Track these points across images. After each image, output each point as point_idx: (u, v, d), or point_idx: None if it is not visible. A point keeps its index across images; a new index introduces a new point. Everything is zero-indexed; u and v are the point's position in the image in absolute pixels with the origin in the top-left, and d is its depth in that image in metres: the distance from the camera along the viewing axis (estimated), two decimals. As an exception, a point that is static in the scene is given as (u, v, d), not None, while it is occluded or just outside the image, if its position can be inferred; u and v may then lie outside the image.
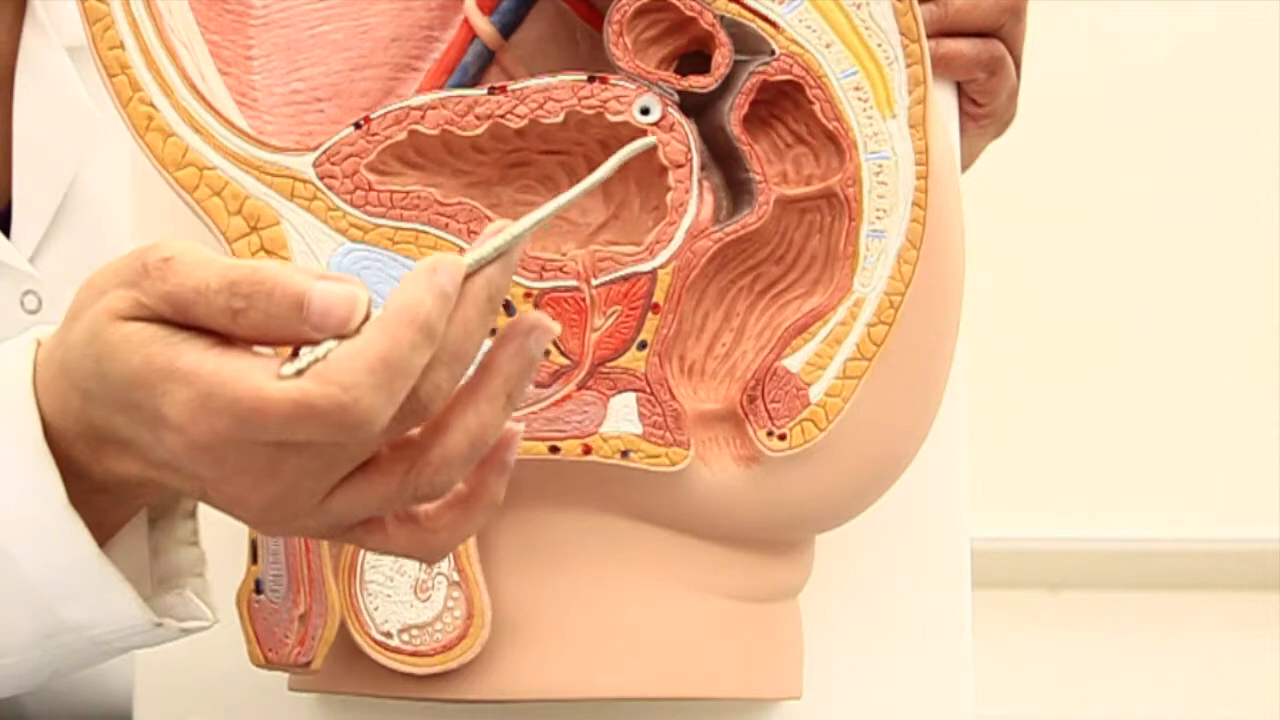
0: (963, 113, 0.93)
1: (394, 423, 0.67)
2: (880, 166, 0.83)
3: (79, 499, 0.72)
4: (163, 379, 0.68)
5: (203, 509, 0.78)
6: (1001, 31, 0.93)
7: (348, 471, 0.69)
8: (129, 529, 0.77)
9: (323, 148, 0.80)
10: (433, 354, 0.67)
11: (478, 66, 0.85)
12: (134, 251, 0.70)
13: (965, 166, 0.93)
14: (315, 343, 0.67)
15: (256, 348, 0.69)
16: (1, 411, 0.73)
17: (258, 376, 0.67)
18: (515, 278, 0.80)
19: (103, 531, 0.74)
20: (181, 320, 0.69)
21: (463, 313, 0.67)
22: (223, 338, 0.69)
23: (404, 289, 0.67)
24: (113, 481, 0.73)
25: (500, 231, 0.67)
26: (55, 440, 0.72)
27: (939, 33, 0.91)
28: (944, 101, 0.91)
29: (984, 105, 0.94)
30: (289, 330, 0.67)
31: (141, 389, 0.68)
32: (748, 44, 0.82)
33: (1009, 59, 0.93)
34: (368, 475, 0.69)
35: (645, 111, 0.81)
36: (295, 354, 0.67)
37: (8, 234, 1.08)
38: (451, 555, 0.81)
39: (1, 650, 0.74)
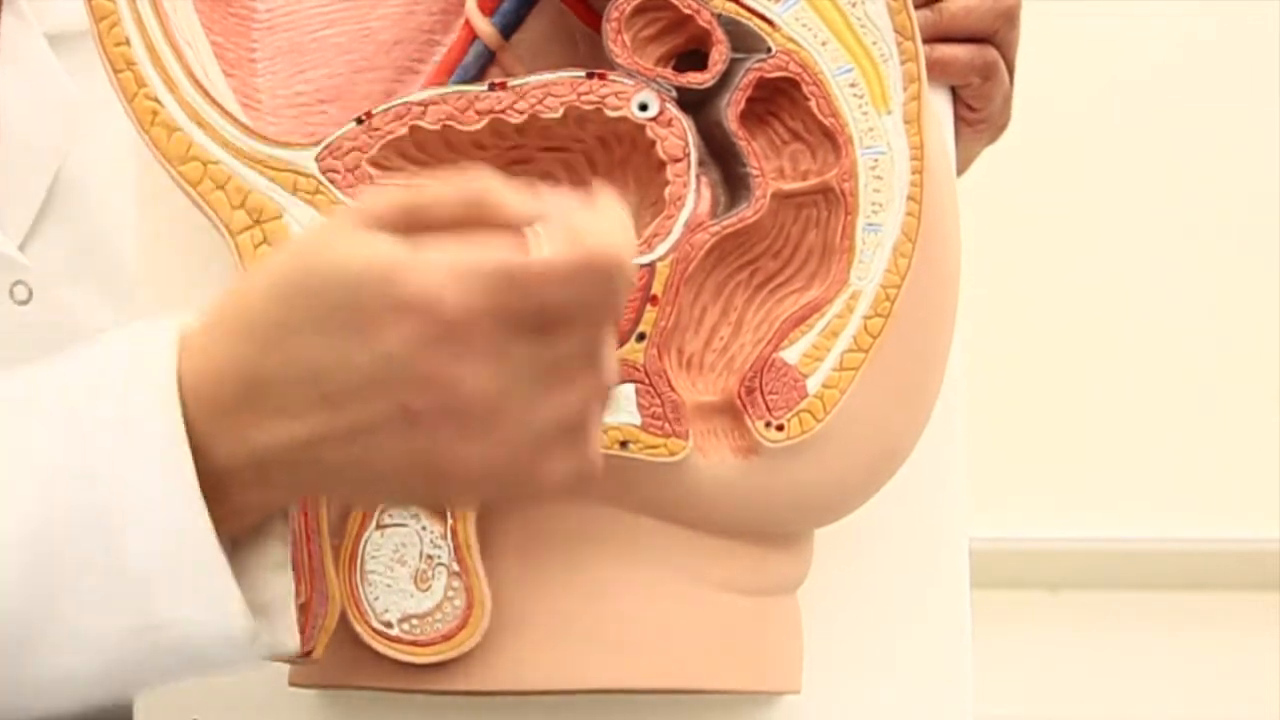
0: (958, 117, 0.94)
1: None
2: (876, 161, 0.83)
3: (207, 492, 0.69)
4: (410, 263, 0.66)
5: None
6: (996, 37, 0.93)
7: (565, 367, 0.68)
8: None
9: (325, 142, 0.81)
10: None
11: (478, 67, 0.86)
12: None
13: (961, 171, 0.93)
14: None
15: None
16: (140, 401, 0.69)
17: (517, 251, 0.66)
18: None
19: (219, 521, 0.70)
20: (416, 228, 0.67)
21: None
22: None
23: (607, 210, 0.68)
24: (247, 462, 0.69)
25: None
26: (194, 426, 0.69)
27: (934, 38, 0.91)
28: (939, 106, 0.91)
29: (979, 110, 0.94)
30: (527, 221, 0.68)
31: (376, 280, 0.66)
32: (744, 42, 0.83)
33: (1003, 64, 0.94)
34: (573, 375, 0.69)
35: (644, 107, 0.82)
36: None
37: None
38: (451, 545, 0.82)
39: (79, 645, 0.70)
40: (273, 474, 0.70)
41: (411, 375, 0.67)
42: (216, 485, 0.69)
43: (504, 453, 0.69)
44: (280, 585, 0.73)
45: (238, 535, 0.72)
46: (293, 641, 0.73)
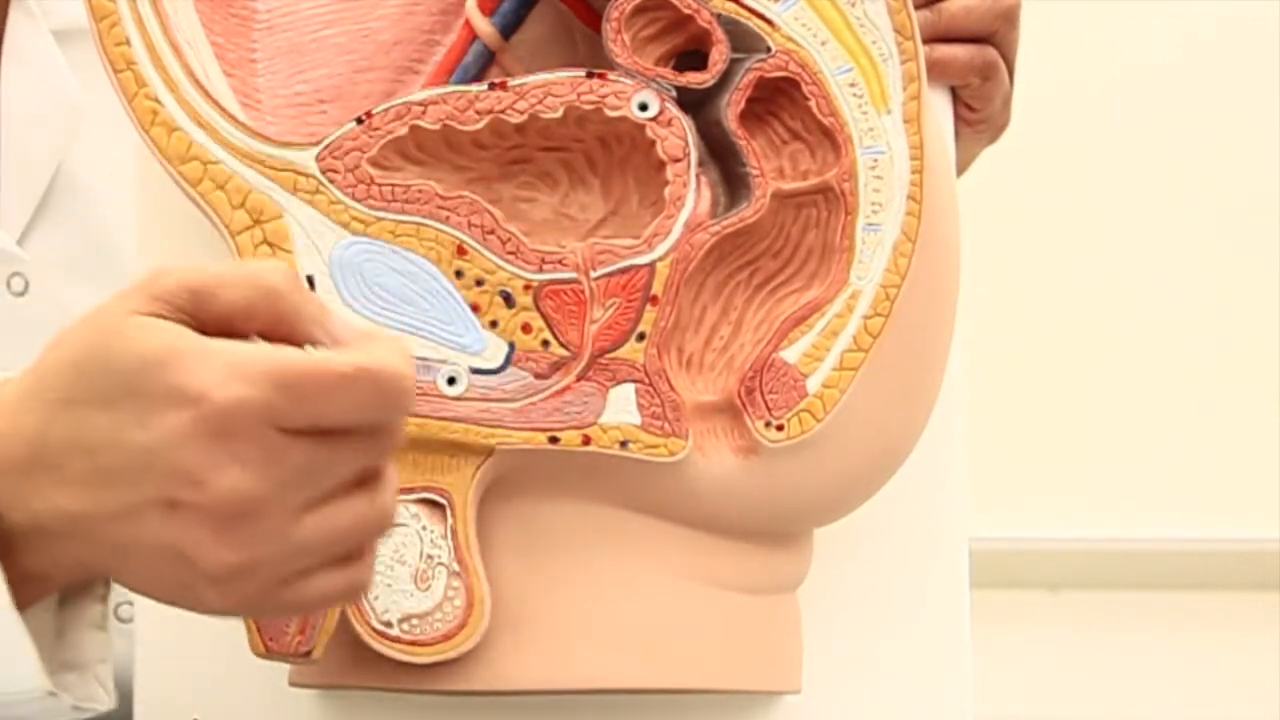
0: (957, 118, 0.94)
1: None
2: (875, 161, 0.83)
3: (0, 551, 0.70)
4: (192, 355, 0.67)
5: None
6: (995, 37, 0.93)
7: (335, 484, 0.69)
8: (35, 610, 0.73)
9: (325, 142, 0.81)
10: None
11: (478, 67, 0.86)
12: (139, 277, 0.69)
13: (960, 171, 0.93)
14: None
15: None
16: None
17: (302, 353, 0.67)
18: (515, 270, 0.81)
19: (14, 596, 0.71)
20: (202, 317, 0.68)
21: None
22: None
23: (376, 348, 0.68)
24: (30, 528, 0.70)
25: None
26: None
27: (933, 38, 0.91)
28: (939, 106, 0.91)
29: (978, 110, 0.94)
30: (307, 334, 0.68)
31: (158, 368, 0.67)
32: (744, 41, 0.83)
33: (1002, 65, 0.94)
34: (344, 495, 0.69)
35: (643, 107, 0.82)
36: None
37: None
38: (452, 545, 0.82)
39: None
40: (53, 543, 0.70)
41: (176, 465, 0.67)
42: (7, 546, 0.70)
43: (257, 560, 0.69)
44: (96, 644, 0.75)
45: (63, 592, 0.73)
46: (103, 698, 0.74)
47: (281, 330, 0.68)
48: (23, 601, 0.71)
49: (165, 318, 0.68)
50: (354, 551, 0.71)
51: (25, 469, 0.70)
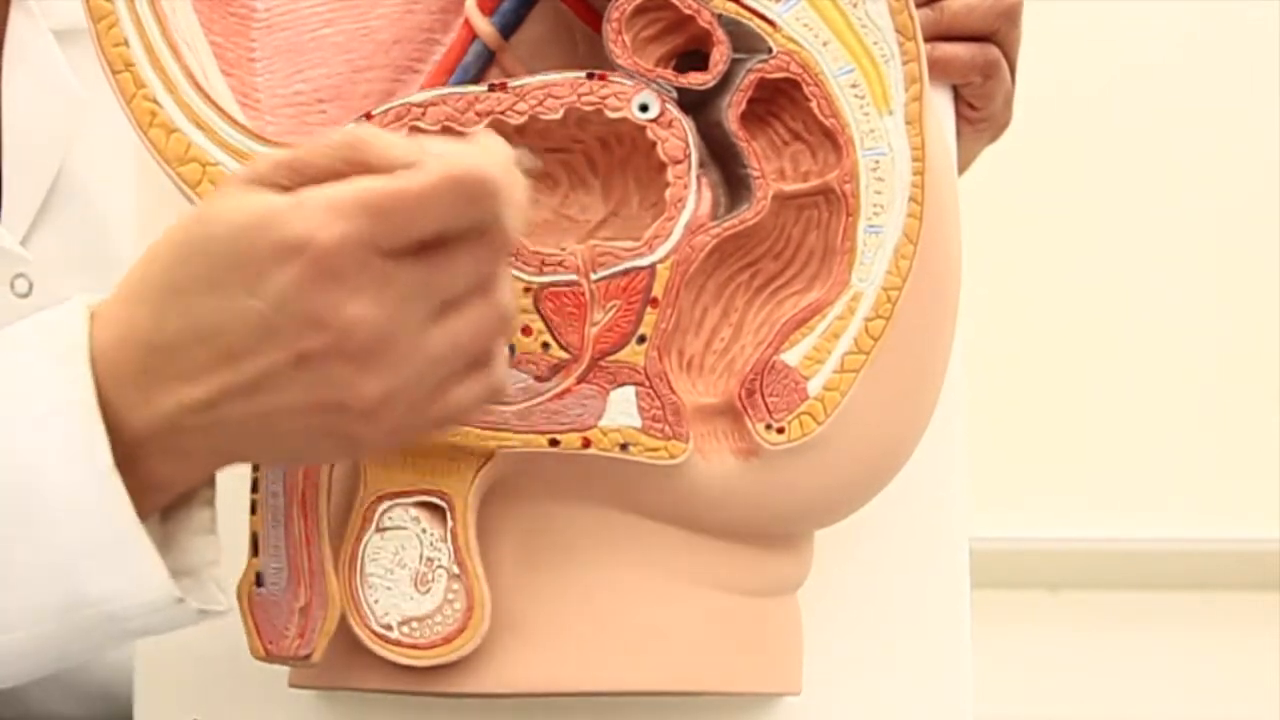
0: (959, 116, 0.94)
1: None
2: (877, 163, 0.83)
3: (121, 464, 0.70)
4: (288, 207, 0.67)
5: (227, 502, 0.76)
6: (997, 36, 0.93)
7: (452, 294, 0.69)
8: (148, 520, 0.74)
9: (324, 144, 0.81)
10: None
11: (478, 67, 0.86)
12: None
13: (962, 170, 0.93)
14: None
15: None
16: (52, 373, 0.70)
17: (386, 178, 0.67)
18: (515, 272, 0.81)
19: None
20: (298, 181, 0.69)
21: None
22: None
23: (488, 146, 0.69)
24: (158, 431, 0.70)
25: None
26: (105, 397, 0.70)
27: (935, 36, 0.91)
28: (941, 105, 0.91)
29: (980, 109, 0.94)
30: (402, 157, 0.69)
31: (257, 230, 0.67)
32: (745, 42, 0.83)
33: (1004, 63, 0.94)
34: (463, 303, 0.70)
35: (644, 108, 0.82)
36: None
37: None
38: (452, 548, 0.82)
39: (12, 623, 0.72)
40: (184, 440, 0.71)
41: (298, 317, 0.68)
42: (131, 456, 0.70)
43: (401, 383, 0.70)
44: (207, 548, 0.75)
45: (166, 506, 0.73)
46: (222, 600, 0.75)
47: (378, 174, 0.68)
48: (143, 511, 0.72)
49: (260, 190, 0.69)
50: (482, 357, 0.71)
51: (144, 370, 0.70)
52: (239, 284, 0.68)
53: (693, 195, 0.82)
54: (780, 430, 0.83)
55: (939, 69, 0.91)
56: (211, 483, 0.76)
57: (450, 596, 0.81)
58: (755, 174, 0.83)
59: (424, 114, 0.81)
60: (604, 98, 0.82)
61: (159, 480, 0.72)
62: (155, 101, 0.80)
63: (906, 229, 0.83)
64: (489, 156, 0.69)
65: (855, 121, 0.83)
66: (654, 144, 0.82)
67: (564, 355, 0.81)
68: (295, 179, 0.69)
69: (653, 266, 0.81)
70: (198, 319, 0.69)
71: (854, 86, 0.83)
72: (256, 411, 0.70)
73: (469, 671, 0.83)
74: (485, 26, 0.85)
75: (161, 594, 0.72)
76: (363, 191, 0.67)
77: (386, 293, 0.68)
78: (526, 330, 0.81)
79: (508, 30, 0.86)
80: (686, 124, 0.82)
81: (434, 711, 0.87)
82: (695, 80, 0.82)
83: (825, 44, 0.83)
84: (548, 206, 0.84)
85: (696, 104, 0.83)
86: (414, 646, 0.81)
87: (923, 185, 0.83)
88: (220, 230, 0.68)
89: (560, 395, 0.81)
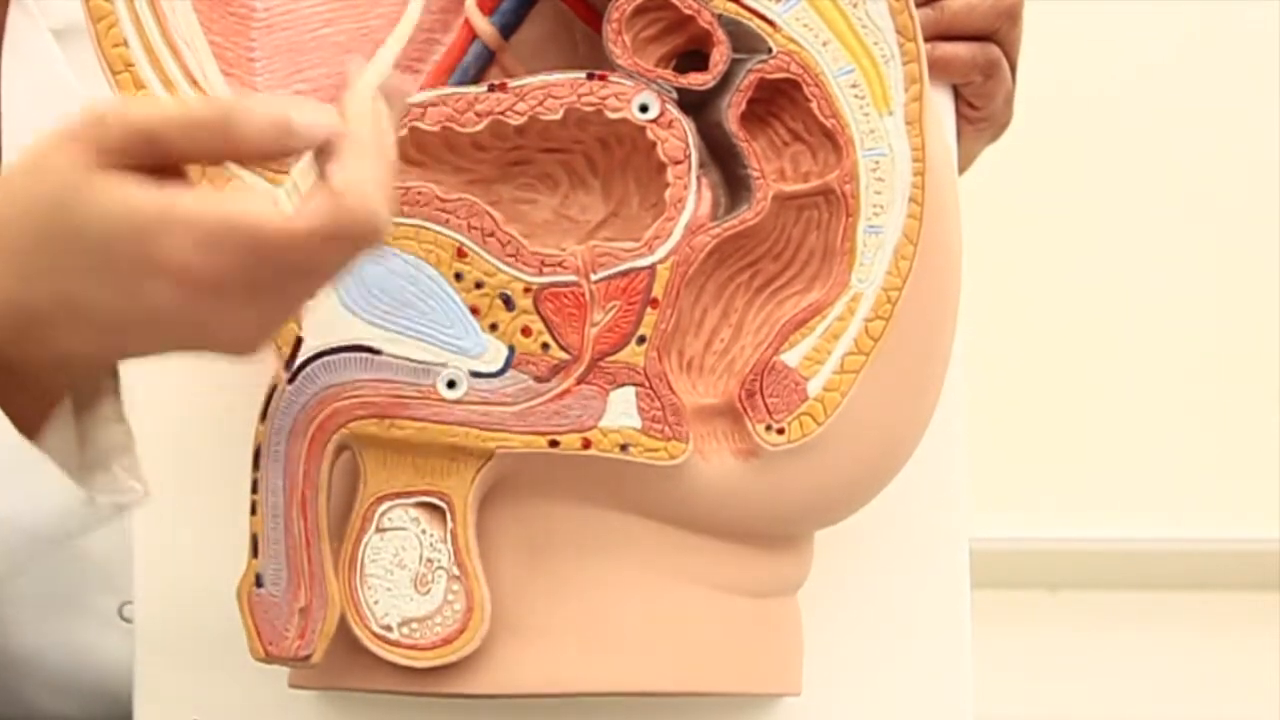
0: (959, 116, 0.94)
1: None
2: (877, 163, 0.83)
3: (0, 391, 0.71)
4: (157, 225, 0.67)
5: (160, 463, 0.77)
6: (997, 35, 0.93)
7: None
8: (54, 422, 0.74)
9: (324, 144, 0.81)
10: None
11: (478, 67, 0.86)
12: (74, 114, 0.69)
13: (962, 169, 0.93)
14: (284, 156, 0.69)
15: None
16: None
17: (268, 209, 0.67)
18: (515, 272, 0.81)
19: (27, 424, 0.72)
20: (153, 159, 0.68)
21: (386, 131, 0.70)
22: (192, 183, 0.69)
23: (352, 117, 0.69)
24: (42, 368, 0.71)
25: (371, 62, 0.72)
26: None
27: (935, 36, 0.91)
28: (941, 104, 0.91)
29: (980, 108, 0.94)
30: (277, 145, 0.68)
31: (130, 240, 0.67)
32: (745, 42, 0.83)
33: (1005, 63, 0.94)
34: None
35: (644, 108, 0.82)
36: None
37: None
38: (452, 549, 0.82)
39: None
40: (56, 376, 0.72)
41: (175, 321, 0.69)
42: (6, 389, 0.71)
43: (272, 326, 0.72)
44: (117, 435, 0.75)
45: (76, 398, 0.74)
46: (137, 488, 0.75)
47: (256, 153, 0.69)
48: (42, 409, 0.73)
49: (121, 169, 0.68)
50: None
51: (15, 326, 0.70)
52: (113, 284, 0.68)
53: (693, 196, 0.82)
54: (780, 431, 0.82)
55: (939, 68, 0.91)
56: (114, 372, 0.75)
57: (450, 597, 0.81)
58: (755, 174, 0.83)
59: (424, 114, 0.81)
60: (604, 98, 0.82)
61: (44, 355, 0.72)
62: (155, 102, 0.80)
63: (906, 229, 0.83)
64: (371, 186, 0.69)
65: (855, 122, 0.83)
66: (654, 144, 0.82)
67: (564, 356, 0.81)
68: (151, 155, 0.68)
69: (653, 267, 0.81)
70: (71, 296, 0.69)
71: (854, 87, 0.83)
72: (131, 348, 0.71)
73: (469, 672, 0.83)
74: (485, 26, 0.85)
75: (69, 499, 0.72)
76: (248, 233, 0.67)
77: (267, 298, 0.69)
78: (526, 331, 0.81)
79: (508, 30, 0.86)
80: (686, 124, 0.82)
81: (434, 712, 0.87)
82: (695, 80, 0.82)
83: (825, 44, 0.83)
84: (548, 207, 0.84)
85: (696, 104, 0.83)
86: (414, 647, 0.81)
87: (923, 186, 0.83)
88: (88, 227, 0.68)
89: (560, 396, 0.81)
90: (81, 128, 0.68)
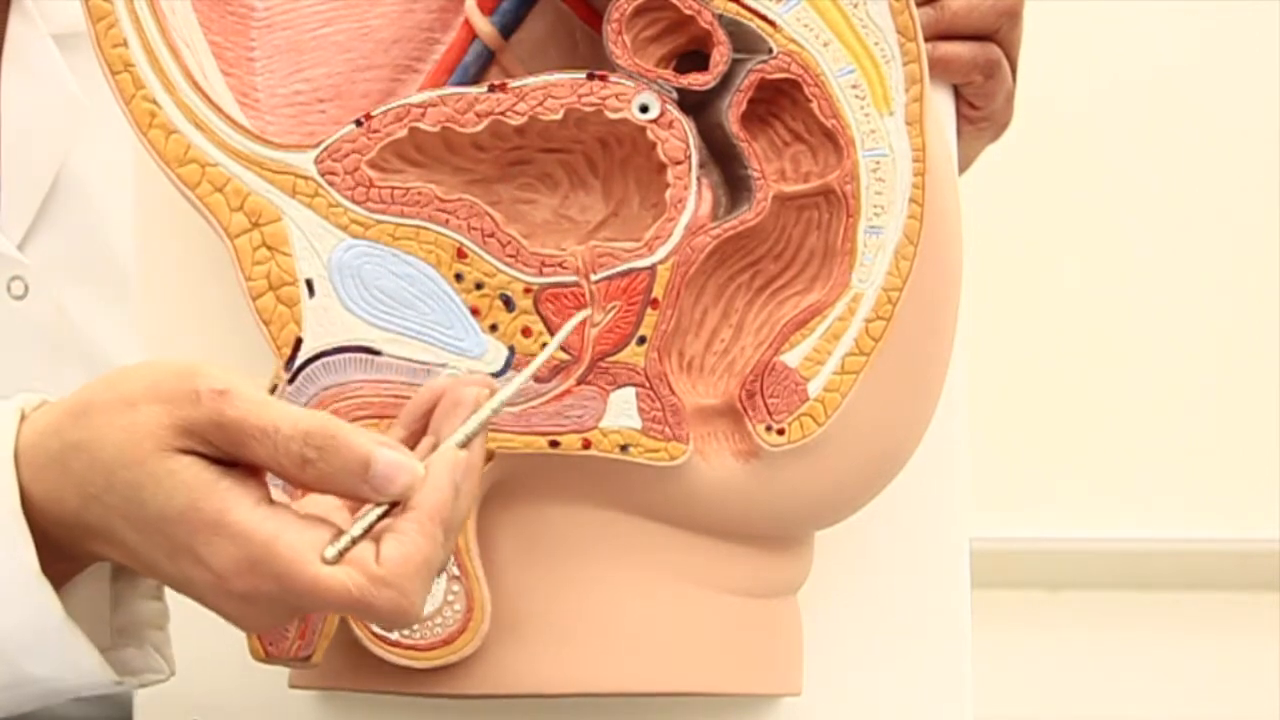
0: (960, 115, 0.94)
1: None
2: (878, 163, 0.83)
3: (47, 560, 0.74)
4: (210, 529, 0.70)
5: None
6: (998, 35, 0.93)
7: None
8: (90, 575, 0.78)
9: (324, 144, 0.81)
10: None
11: (478, 67, 0.86)
12: (174, 370, 0.72)
13: (963, 169, 0.93)
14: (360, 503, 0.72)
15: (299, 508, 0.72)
16: None
17: (310, 555, 0.70)
18: (515, 273, 0.81)
19: (64, 578, 0.75)
20: (231, 454, 0.71)
21: (465, 491, 0.72)
22: (260, 483, 0.71)
23: (431, 484, 0.71)
24: (87, 558, 0.75)
25: (481, 406, 0.73)
26: (34, 515, 0.73)
27: (936, 35, 0.91)
28: (941, 104, 0.91)
29: (981, 108, 0.94)
30: (349, 487, 0.71)
31: (183, 528, 0.71)
32: (746, 42, 0.83)
33: (1005, 62, 0.94)
34: None
35: (644, 109, 0.82)
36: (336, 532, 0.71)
37: None
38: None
39: None
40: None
41: (208, 600, 0.72)
42: (55, 563, 0.74)
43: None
44: (151, 613, 0.79)
45: (115, 567, 0.78)
46: (163, 667, 0.79)
47: (328, 486, 0.71)
48: (84, 564, 0.76)
49: (194, 453, 0.71)
50: None
51: (66, 529, 0.74)
52: (159, 548, 0.71)
53: (693, 196, 0.82)
54: (780, 431, 0.82)
55: (940, 68, 0.91)
56: None
57: (450, 598, 0.81)
58: (756, 175, 0.82)
59: (424, 114, 0.81)
60: (604, 98, 0.82)
61: (91, 554, 0.75)
62: (154, 102, 0.80)
63: (907, 230, 0.83)
64: (436, 491, 0.71)
65: (856, 122, 0.83)
66: (654, 144, 0.82)
67: (564, 356, 0.81)
68: (228, 449, 0.71)
69: (653, 267, 0.81)
70: (118, 536, 0.72)
71: (855, 87, 0.83)
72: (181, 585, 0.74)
73: (469, 673, 0.82)
74: (485, 26, 0.85)
75: (99, 678, 0.76)
76: (276, 560, 0.70)
77: (293, 611, 0.73)
78: (526, 331, 0.81)
79: (508, 30, 0.86)
80: (687, 124, 0.82)
81: (434, 712, 0.87)
82: (696, 81, 0.82)
83: (826, 44, 0.83)
84: (548, 207, 0.84)
85: (697, 105, 0.83)
86: (414, 648, 0.81)
87: (923, 186, 0.83)
88: (149, 500, 0.71)
89: (560, 396, 0.81)
90: (175, 395, 0.71)
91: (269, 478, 0.72)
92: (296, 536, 0.70)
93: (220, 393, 0.71)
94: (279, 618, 0.73)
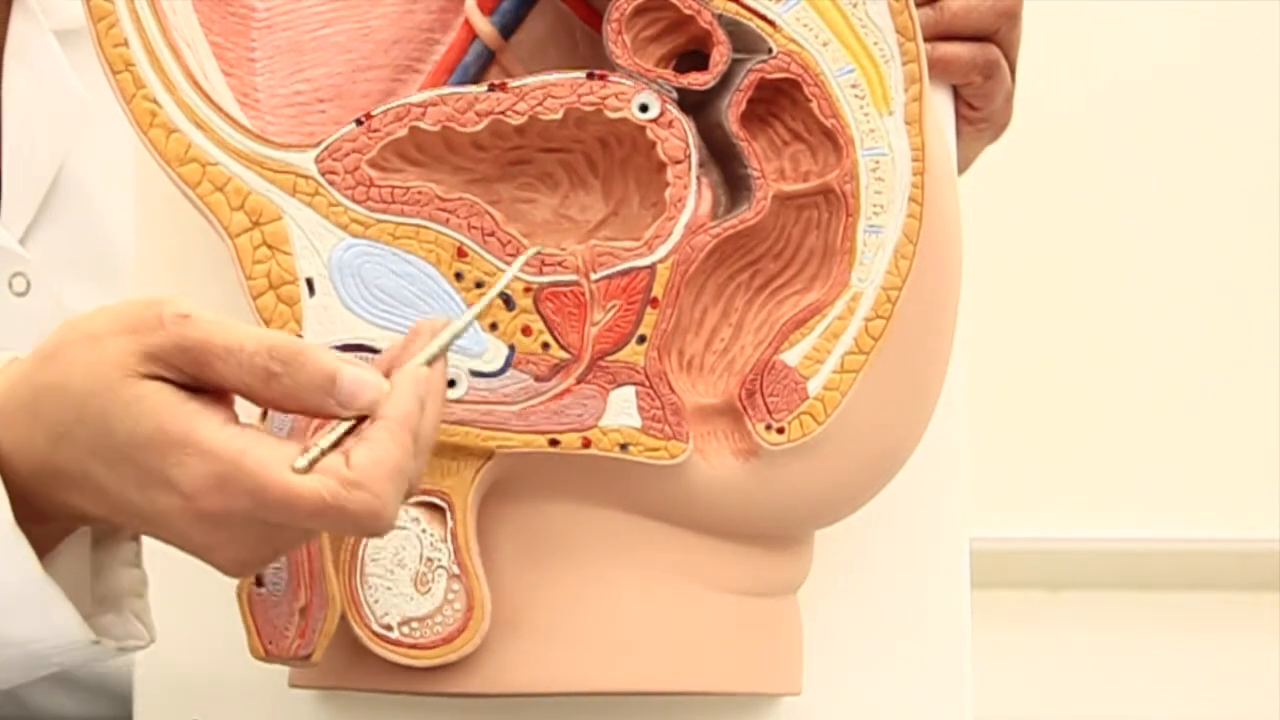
0: (959, 116, 0.94)
1: None
2: (877, 163, 0.83)
3: (24, 519, 0.74)
4: (179, 449, 0.70)
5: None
6: (997, 36, 0.93)
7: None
8: (71, 544, 0.78)
9: (325, 144, 0.81)
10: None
11: (478, 67, 0.86)
12: (136, 301, 0.72)
13: (962, 170, 0.93)
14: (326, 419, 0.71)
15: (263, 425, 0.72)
16: None
17: (280, 466, 0.70)
18: (516, 273, 0.81)
19: (44, 546, 0.75)
20: (196, 377, 0.71)
21: (430, 409, 0.72)
22: (228, 406, 0.71)
23: (397, 396, 0.71)
24: (62, 512, 0.74)
25: (440, 330, 0.73)
26: (5, 468, 0.73)
27: (935, 36, 0.91)
28: (941, 104, 0.91)
29: (980, 109, 0.94)
30: (315, 402, 0.71)
31: (152, 452, 0.70)
32: (745, 42, 0.83)
33: (1004, 63, 0.94)
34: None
35: (644, 108, 0.82)
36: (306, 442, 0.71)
37: None
38: (452, 548, 0.82)
39: None
40: (81, 522, 0.76)
41: (178, 532, 0.72)
42: (31, 520, 0.74)
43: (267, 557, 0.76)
44: (131, 580, 0.78)
45: (95, 533, 0.77)
46: (143, 633, 0.78)
47: (293, 402, 0.71)
48: (64, 529, 0.76)
49: (161, 378, 0.71)
50: None
51: (38, 478, 0.74)
52: (130, 478, 0.71)
53: (693, 195, 0.82)
54: (780, 430, 0.82)
55: (939, 69, 0.91)
56: None
57: (450, 597, 0.81)
58: (755, 174, 0.83)
59: (424, 114, 0.81)
60: (604, 98, 0.82)
61: (56, 535, 0.76)
62: (155, 102, 0.80)
63: (906, 229, 0.83)
64: (402, 402, 0.71)
65: (855, 122, 0.83)
66: (654, 144, 0.82)
67: (564, 355, 0.81)
68: (195, 374, 0.71)
69: (653, 266, 0.81)
70: (89, 473, 0.72)
71: (854, 87, 0.83)
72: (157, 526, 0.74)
73: (469, 672, 0.82)
74: (485, 26, 0.85)
75: (78, 636, 0.75)
76: (256, 481, 0.69)
77: (262, 542, 0.73)
78: (526, 330, 0.81)
79: (508, 30, 0.86)
80: (687, 124, 0.82)
81: (434, 712, 0.87)
82: (695, 80, 0.82)
83: (825, 44, 0.83)
84: (548, 206, 0.84)
85: (697, 104, 0.83)
86: (414, 647, 0.81)
87: (923, 185, 0.83)
88: (117, 428, 0.71)
89: (560, 395, 0.81)
90: (139, 324, 0.71)
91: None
92: (265, 451, 0.70)
93: (183, 316, 0.71)
94: (252, 546, 0.72)
